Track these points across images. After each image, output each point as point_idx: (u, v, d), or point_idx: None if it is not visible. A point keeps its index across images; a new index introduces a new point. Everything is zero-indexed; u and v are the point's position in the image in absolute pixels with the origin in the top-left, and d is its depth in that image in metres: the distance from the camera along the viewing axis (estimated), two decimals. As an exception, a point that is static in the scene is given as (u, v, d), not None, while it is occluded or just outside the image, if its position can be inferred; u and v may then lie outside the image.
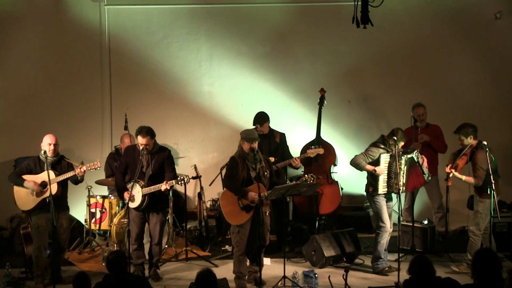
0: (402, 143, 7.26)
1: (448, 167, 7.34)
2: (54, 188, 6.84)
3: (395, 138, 7.19)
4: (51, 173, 6.84)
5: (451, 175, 7.31)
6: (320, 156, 8.62)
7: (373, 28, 6.27)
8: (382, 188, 7.31)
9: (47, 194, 6.83)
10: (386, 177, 7.28)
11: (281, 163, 8.18)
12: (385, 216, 7.37)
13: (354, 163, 7.40)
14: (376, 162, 7.32)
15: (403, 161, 7.24)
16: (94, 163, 7.11)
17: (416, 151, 7.35)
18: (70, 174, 7.03)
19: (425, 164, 7.38)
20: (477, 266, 4.76)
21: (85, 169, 7.03)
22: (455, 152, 7.55)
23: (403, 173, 7.26)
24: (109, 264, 5.34)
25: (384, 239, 7.41)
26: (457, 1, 9.54)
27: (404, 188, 7.32)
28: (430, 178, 7.50)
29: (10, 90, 9.50)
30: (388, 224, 7.38)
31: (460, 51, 9.63)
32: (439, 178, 8.60)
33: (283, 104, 9.60)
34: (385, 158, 7.29)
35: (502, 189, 8.67)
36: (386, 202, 7.39)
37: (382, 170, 7.26)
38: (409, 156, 7.26)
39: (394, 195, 7.31)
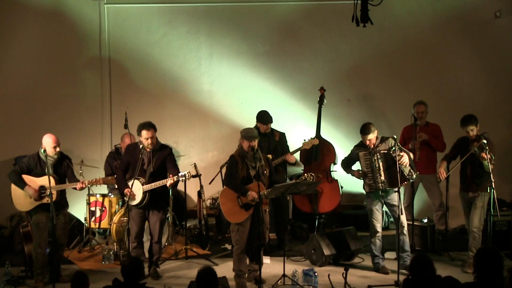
0: (372, 136, 7.24)
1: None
2: (53, 195, 6.81)
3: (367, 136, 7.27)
4: (51, 179, 6.79)
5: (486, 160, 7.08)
6: (319, 155, 8.64)
7: (373, 26, 6.30)
8: (367, 186, 7.38)
9: (46, 200, 6.83)
10: (370, 174, 7.32)
11: (276, 160, 8.19)
12: (373, 215, 7.42)
13: (342, 168, 7.68)
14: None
15: (378, 157, 7.21)
16: (96, 180, 7.16)
17: (393, 149, 7.13)
18: (70, 186, 7.07)
19: (404, 161, 7.13)
20: (479, 263, 4.75)
21: (86, 185, 7.07)
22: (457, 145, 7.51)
23: (379, 169, 7.22)
24: (123, 270, 5.10)
25: (375, 239, 7.45)
26: (457, 0, 9.54)
27: (382, 185, 7.24)
28: (414, 176, 7.30)
29: (10, 88, 9.50)
30: (376, 225, 7.41)
31: (460, 50, 9.63)
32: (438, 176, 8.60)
33: (283, 103, 9.61)
34: (363, 156, 7.35)
35: (503, 187, 8.73)
36: (385, 200, 7.38)
37: (357, 173, 7.42)
38: (386, 152, 7.21)
39: (395, 194, 7.25)
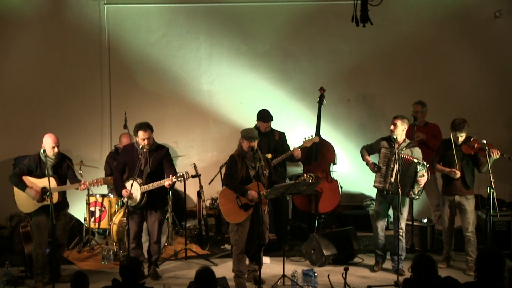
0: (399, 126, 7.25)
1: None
2: (55, 196, 6.83)
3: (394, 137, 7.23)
4: (52, 180, 6.80)
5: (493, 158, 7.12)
6: (319, 155, 8.64)
7: (373, 27, 6.31)
8: (376, 182, 7.36)
9: (48, 201, 6.83)
10: (384, 171, 7.30)
11: (279, 157, 8.19)
12: (377, 216, 7.45)
13: (360, 153, 7.57)
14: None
15: (396, 159, 7.13)
16: (97, 180, 7.14)
17: (422, 164, 7.17)
18: (72, 187, 7.07)
19: (422, 182, 7.18)
20: (481, 263, 4.76)
21: (88, 186, 7.06)
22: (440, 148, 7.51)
23: (393, 170, 7.19)
24: (122, 270, 5.08)
25: (376, 239, 7.48)
26: (457, 0, 9.54)
27: (390, 186, 7.22)
28: (417, 197, 7.32)
29: (10, 88, 9.50)
30: (377, 225, 7.43)
31: (459, 50, 9.64)
32: (437, 176, 8.60)
33: (282, 103, 9.61)
34: (383, 152, 7.33)
35: (503, 187, 8.73)
36: (392, 203, 7.36)
37: (371, 166, 7.38)
38: (415, 160, 7.18)
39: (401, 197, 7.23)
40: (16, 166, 8.51)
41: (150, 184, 7.11)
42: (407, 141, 7.36)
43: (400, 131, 7.25)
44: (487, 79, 9.62)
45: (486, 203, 7.69)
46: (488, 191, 7.16)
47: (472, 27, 9.57)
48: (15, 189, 7.10)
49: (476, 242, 7.40)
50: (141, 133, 7.11)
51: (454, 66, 9.66)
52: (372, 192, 8.50)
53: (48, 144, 6.97)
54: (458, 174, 7.30)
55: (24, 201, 7.06)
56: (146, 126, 7.12)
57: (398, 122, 7.25)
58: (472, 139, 7.30)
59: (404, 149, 7.26)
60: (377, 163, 7.41)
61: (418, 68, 9.67)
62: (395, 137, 7.22)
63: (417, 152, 7.32)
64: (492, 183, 7.10)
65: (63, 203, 7.14)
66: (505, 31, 9.52)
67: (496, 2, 9.49)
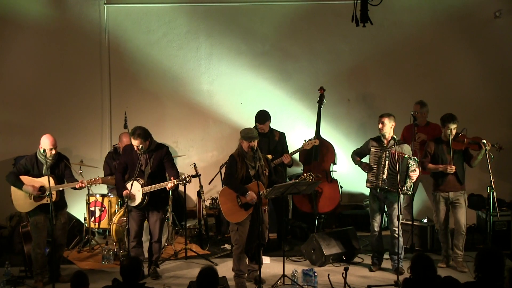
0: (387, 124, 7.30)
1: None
2: (53, 196, 6.81)
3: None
4: (50, 179, 6.77)
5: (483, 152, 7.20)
6: (319, 155, 8.64)
7: (373, 26, 6.31)
8: (368, 181, 7.39)
9: (46, 200, 6.82)
10: (375, 170, 7.32)
11: (276, 160, 8.19)
12: (372, 215, 7.46)
13: (351, 158, 7.63)
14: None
15: (386, 156, 7.20)
16: (95, 179, 7.14)
17: (413, 159, 7.21)
18: (70, 185, 7.06)
19: (413, 177, 7.19)
20: (481, 263, 4.76)
21: (86, 184, 7.05)
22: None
23: (384, 167, 7.23)
24: (122, 270, 5.11)
25: (372, 238, 7.51)
26: (457, 0, 9.54)
27: (382, 183, 7.26)
28: (410, 193, 7.38)
29: (10, 88, 9.49)
30: (374, 225, 7.45)
31: (459, 50, 9.64)
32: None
33: (282, 103, 9.61)
34: (373, 151, 7.37)
35: (503, 187, 8.72)
36: (387, 200, 7.37)
37: (363, 166, 7.41)
38: (405, 156, 7.22)
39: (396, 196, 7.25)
40: (15, 166, 8.51)
41: (152, 186, 7.10)
42: (396, 138, 7.37)
43: (388, 128, 7.33)
44: (487, 79, 9.62)
45: (486, 203, 7.69)
46: (488, 191, 7.17)
47: (472, 27, 9.57)
48: (12, 188, 7.08)
49: (476, 242, 7.40)
50: (132, 139, 7.12)
51: (454, 66, 9.66)
52: (372, 192, 8.52)
53: (45, 145, 6.94)
54: (453, 168, 7.32)
55: (21, 200, 7.05)
56: (137, 135, 7.03)
57: (386, 120, 7.32)
58: (460, 134, 7.37)
59: (393, 146, 7.28)
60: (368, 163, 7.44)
61: (418, 68, 9.67)
62: (384, 134, 7.31)
63: (407, 148, 7.39)
64: (492, 183, 7.10)
65: (60, 202, 7.13)
66: (505, 31, 9.52)
67: (496, 2, 9.49)
